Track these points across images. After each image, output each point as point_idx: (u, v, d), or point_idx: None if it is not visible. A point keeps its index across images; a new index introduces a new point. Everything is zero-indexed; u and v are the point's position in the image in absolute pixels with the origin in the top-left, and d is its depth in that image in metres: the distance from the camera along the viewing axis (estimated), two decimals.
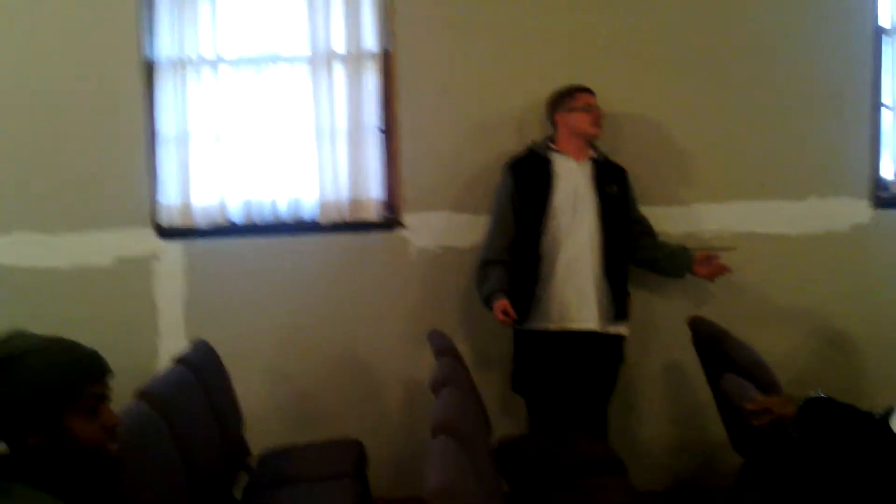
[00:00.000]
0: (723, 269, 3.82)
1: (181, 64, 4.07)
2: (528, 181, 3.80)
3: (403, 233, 4.16)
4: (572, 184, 3.77)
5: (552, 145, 3.85)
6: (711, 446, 4.16)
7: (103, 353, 1.77)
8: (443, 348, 3.28)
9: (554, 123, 3.88)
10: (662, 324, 4.14)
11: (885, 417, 1.86)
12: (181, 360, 3.23)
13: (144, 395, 2.72)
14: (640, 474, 3.62)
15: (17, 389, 1.64)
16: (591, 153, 3.84)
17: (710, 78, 4.11)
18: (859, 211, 4.15)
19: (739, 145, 4.14)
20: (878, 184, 4.18)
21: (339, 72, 4.11)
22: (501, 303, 3.68)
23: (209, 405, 3.19)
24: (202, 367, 3.30)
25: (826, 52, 4.10)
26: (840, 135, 4.13)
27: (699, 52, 4.11)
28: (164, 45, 4.08)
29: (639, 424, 4.24)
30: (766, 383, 2.71)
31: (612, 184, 3.81)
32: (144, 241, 4.11)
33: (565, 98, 3.84)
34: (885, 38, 4.15)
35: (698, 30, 4.10)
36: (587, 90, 3.84)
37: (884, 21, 4.15)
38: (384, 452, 4.06)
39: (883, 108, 4.17)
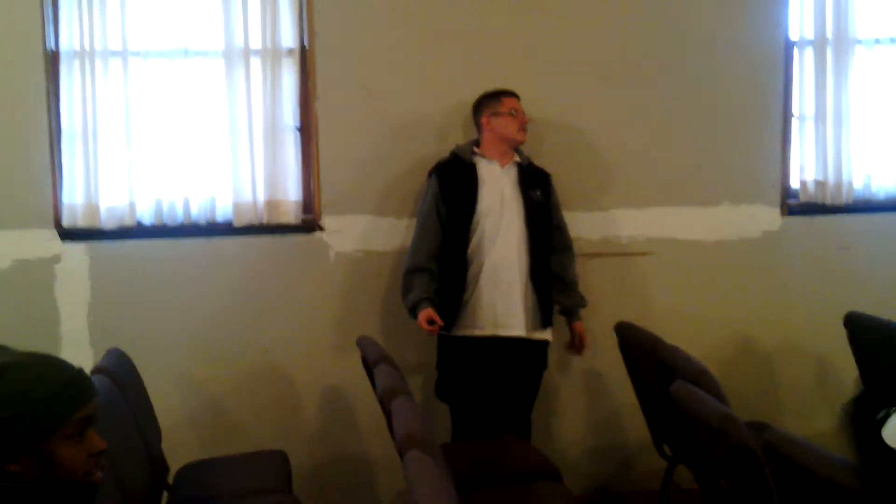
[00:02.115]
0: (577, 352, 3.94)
1: (87, 56, 3.79)
2: (453, 186, 3.74)
3: (322, 236, 4.03)
4: (498, 188, 3.74)
5: (476, 150, 3.81)
6: (630, 450, 4.23)
7: None
8: (377, 355, 3.18)
9: (479, 127, 3.84)
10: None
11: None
12: (101, 370, 3.02)
13: None
14: (563, 478, 3.63)
15: None
16: (516, 157, 3.82)
17: (627, 86, 4.16)
18: (770, 218, 4.28)
19: (655, 153, 4.20)
20: (788, 192, 4.33)
21: (256, 68, 3.93)
22: (427, 312, 3.63)
23: (132, 420, 3.00)
24: (121, 377, 3.10)
25: (740, 64, 4.21)
26: (753, 144, 4.25)
27: (618, 61, 4.15)
28: (70, 35, 3.80)
29: (559, 429, 4.25)
30: (714, 391, 2.73)
31: (536, 188, 3.79)
32: (46, 243, 3.83)
33: (491, 102, 3.80)
34: (795, 51, 4.29)
35: (618, 39, 4.15)
36: (513, 94, 3.81)
37: (794, 34, 4.29)
38: (305, 462, 3.94)
39: (792, 119, 4.31)
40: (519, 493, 3.10)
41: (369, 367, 3.25)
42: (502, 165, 3.78)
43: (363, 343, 3.42)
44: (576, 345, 3.90)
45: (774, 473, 2.19)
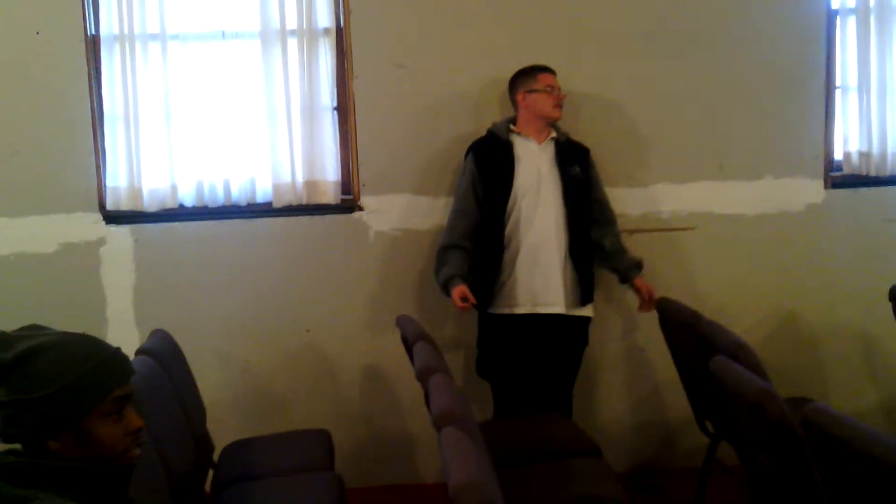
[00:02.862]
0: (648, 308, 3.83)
1: (127, 40, 3.85)
2: (489, 165, 3.73)
3: (361, 215, 4.05)
4: (535, 166, 3.72)
5: (513, 127, 3.79)
6: (672, 427, 4.21)
7: None
8: (416, 334, 3.20)
9: (515, 104, 3.82)
10: (624, 305, 4.13)
11: None
12: (145, 352, 3.08)
13: None
14: (604, 455, 3.62)
15: (39, 387, 1.51)
16: (553, 134, 3.79)
17: (667, 60, 4.10)
18: (813, 191, 4.20)
19: (696, 126, 4.15)
20: (831, 164, 4.25)
21: (293, 48, 3.96)
22: (460, 288, 3.63)
23: (177, 399, 3.05)
24: (166, 358, 3.15)
25: (781, 35, 4.13)
26: (795, 116, 4.17)
27: (657, 34, 4.09)
28: (109, 19, 3.85)
29: (601, 406, 4.24)
30: (753, 366, 2.71)
31: (574, 164, 3.77)
32: (91, 226, 3.92)
33: (527, 78, 3.78)
34: (837, 20, 4.20)
35: (655, 9, 4.08)
36: (549, 70, 3.78)
37: (836, 2, 4.20)
38: (347, 441, 3.98)
39: (836, 90, 4.22)
40: (559, 469, 3.11)
41: (409, 346, 3.27)
42: (539, 142, 3.76)
43: (402, 322, 3.44)
44: (645, 302, 3.82)
45: (815, 449, 2.17)
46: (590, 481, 3.01)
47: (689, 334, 3.29)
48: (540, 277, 3.68)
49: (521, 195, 3.68)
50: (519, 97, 3.78)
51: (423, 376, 2.72)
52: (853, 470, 2.04)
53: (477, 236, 3.74)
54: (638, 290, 3.84)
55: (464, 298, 3.62)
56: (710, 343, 3.07)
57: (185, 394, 3.21)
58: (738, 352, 2.82)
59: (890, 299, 3.60)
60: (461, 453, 1.97)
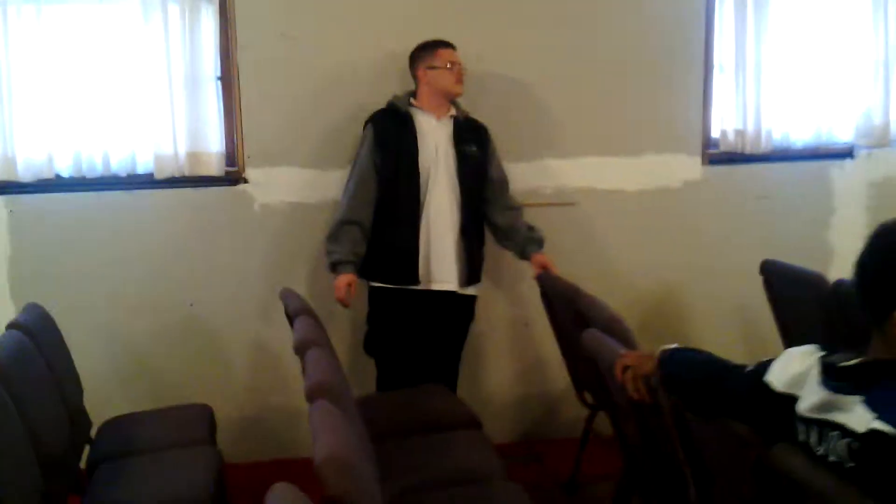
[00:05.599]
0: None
1: (1, 3, 3.70)
2: (389, 138, 3.70)
3: (246, 188, 4.01)
4: (433, 142, 3.72)
5: (413, 101, 3.78)
6: (554, 397, 4.31)
7: None
8: (298, 308, 3.19)
9: (416, 78, 3.80)
10: (510, 279, 4.21)
11: (756, 371, 1.93)
12: (16, 325, 2.99)
13: None
14: (488, 427, 3.68)
15: None
16: (452, 111, 3.80)
17: (550, 34, 4.14)
18: (691, 167, 4.34)
19: (580, 104, 4.22)
20: (709, 142, 4.39)
21: (174, 15, 3.86)
22: (347, 277, 3.65)
23: (49, 374, 2.98)
24: (38, 332, 3.07)
25: (662, 15, 4.23)
26: (674, 95, 4.30)
27: (542, 11, 4.13)
28: None
29: (486, 378, 4.32)
30: (624, 338, 2.78)
31: (471, 143, 3.78)
32: None
33: (427, 54, 3.75)
34: (716, 2, 4.32)
35: None
36: (449, 45, 3.76)
37: None
38: (230, 416, 3.95)
39: (713, 70, 4.35)
40: (438, 442, 3.13)
41: (291, 319, 3.26)
42: (438, 118, 3.75)
43: (285, 296, 3.42)
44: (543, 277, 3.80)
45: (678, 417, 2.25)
46: (468, 454, 3.04)
47: (569, 309, 3.37)
48: (433, 255, 3.70)
49: (420, 171, 3.67)
50: (419, 72, 3.76)
51: (300, 349, 2.72)
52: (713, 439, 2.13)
53: (374, 210, 3.72)
54: (536, 266, 3.84)
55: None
56: (587, 317, 3.14)
57: (59, 369, 3.13)
58: (612, 325, 2.89)
59: (760, 273, 3.74)
60: (329, 427, 1.98)
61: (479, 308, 3.99)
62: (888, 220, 1.74)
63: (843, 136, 4.49)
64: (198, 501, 2.78)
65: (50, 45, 3.80)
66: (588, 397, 3.63)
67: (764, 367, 1.93)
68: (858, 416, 1.60)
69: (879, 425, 1.55)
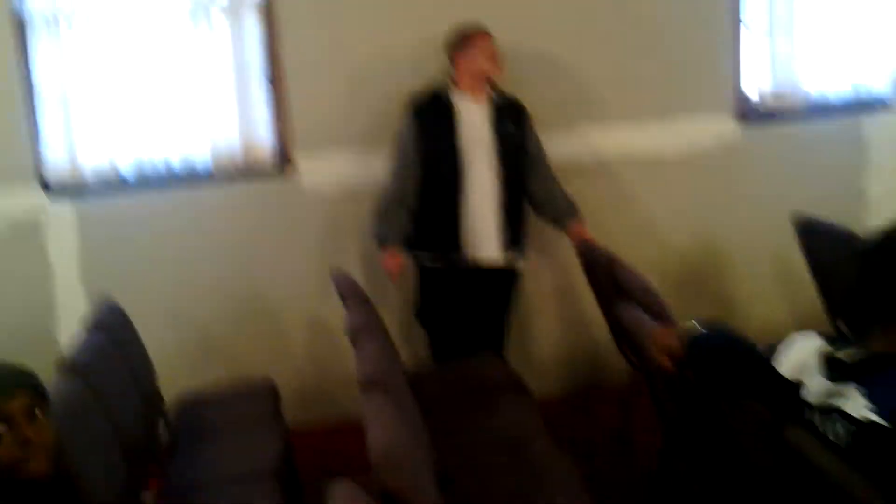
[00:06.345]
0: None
1: (56, 16, 3.91)
2: (430, 122, 3.86)
3: (297, 175, 4.20)
4: (472, 124, 3.86)
5: (452, 85, 3.91)
6: (601, 350, 4.46)
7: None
8: (349, 291, 3.39)
9: (453, 62, 3.91)
10: (553, 242, 4.34)
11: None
12: (92, 323, 3.24)
13: (68, 368, 2.75)
14: (538, 383, 3.88)
15: None
16: (490, 92, 3.91)
17: (579, 3, 4.27)
18: (725, 127, 4.44)
19: (612, 68, 4.33)
20: (742, 100, 4.47)
21: (220, 16, 4.06)
22: (395, 252, 3.89)
23: (126, 366, 3.24)
24: (113, 327, 3.32)
25: None
26: (707, 55, 4.39)
27: None
28: None
29: (534, 337, 4.51)
30: (657, 310, 2.94)
31: (509, 122, 3.91)
32: (33, 202, 4.03)
33: (462, 41, 3.86)
34: None
35: None
36: (482, 31, 3.85)
37: None
38: (293, 386, 4.17)
39: (746, 29, 4.42)
40: (487, 411, 3.33)
41: (343, 300, 3.45)
42: (477, 100, 3.88)
43: (337, 278, 3.60)
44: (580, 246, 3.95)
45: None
46: (513, 420, 3.24)
47: (607, 277, 3.52)
48: (475, 226, 3.87)
49: (460, 152, 3.83)
50: (456, 56, 3.88)
51: (352, 336, 2.92)
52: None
53: (417, 192, 3.89)
54: (573, 238, 4.00)
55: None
56: (624, 288, 3.30)
57: (133, 358, 3.38)
58: (646, 297, 3.06)
59: (794, 228, 3.83)
60: (383, 421, 2.18)
61: (526, 272, 4.15)
62: None
63: (878, 87, 4.53)
64: (268, 473, 3.03)
65: (106, 53, 4.00)
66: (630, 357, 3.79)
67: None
68: (857, 405, 1.76)
69: (877, 418, 1.70)
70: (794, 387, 1.96)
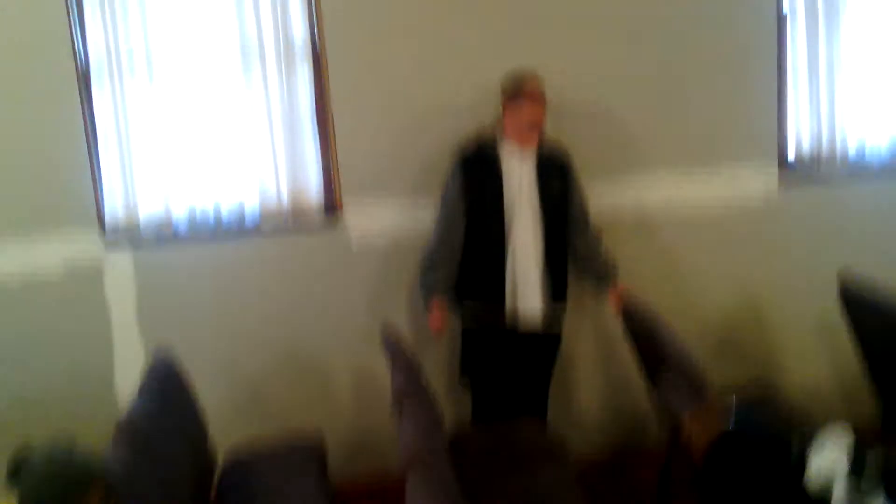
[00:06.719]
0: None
1: (115, 67, 4.08)
2: (476, 174, 3.93)
3: (344, 224, 4.30)
4: (517, 177, 3.92)
5: (499, 134, 3.98)
6: (642, 416, 4.52)
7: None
8: (396, 351, 3.46)
9: (503, 108, 3.98)
10: (597, 305, 4.40)
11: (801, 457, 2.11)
12: (148, 380, 3.35)
13: (124, 433, 2.85)
14: (579, 443, 3.92)
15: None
16: (536, 144, 3.97)
17: (627, 53, 4.34)
18: (768, 183, 4.48)
19: (656, 119, 4.39)
20: (785, 157, 4.53)
21: (271, 68, 4.18)
22: (440, 307, 3.97)
23: (180, 426, 3.35)
24: (168, 383, 3.44)
25: (734, 27, 4.39)
26: (751, 110, 4.44)
27: (623, 28, 4.33)
28: (97, 48, 4.08)
29: (576, 398, 4.56)
30: (694, 383, 2.98)
31: (553, 176, 3.97)
32: (93, 250, 4.17)
33: (512, 89, 3.93)
34: (788, 13, 4.46)
35: (621, 12, 4.32)
36: (533, 98, 3.90)
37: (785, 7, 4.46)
38: (338, 437, 4.29)
39: (791, 88, 4.49)
40: (522, 469, 3.40)
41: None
42: (523, 150, 3.94)
43: (385, 335, 3.65)
44: (620, 309, 4.03)
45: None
46: (553, 487, 3.29)
47: (647, 342, 3.57)
48: (519, 280, 3.93)
49: (505, 206, 3.90)
50: (504, 104, 3.96)
51: (396, 402, 3.00)
52: None
53: (462, 243, 3.98)
54: (612, 301, 4.08)
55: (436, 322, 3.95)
56: (661, 355, 3.35)
57: (186, 415, 3.50)
58: (684, 366, 3.11)
59: (838, 293, 3.84)
60: (421, 498, 2.27)
61: (567, 326, 4.19)
62: None
63: None
64: None
65: (163, 101, 4.16)
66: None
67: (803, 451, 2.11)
68: None
69: None
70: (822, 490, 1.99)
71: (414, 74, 4.23)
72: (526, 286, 3.95)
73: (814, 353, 4.57)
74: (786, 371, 4.59)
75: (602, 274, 4.09)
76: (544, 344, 4.09)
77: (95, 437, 2.79)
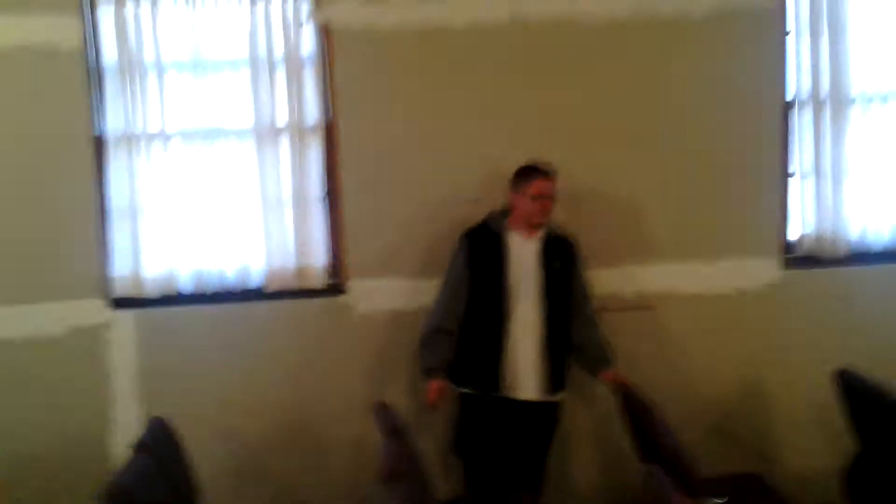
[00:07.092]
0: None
1: (130, 139, 4.19)
2: (481, 254, 3.98)
3: (348, 298, 4.35)
4: (521, 260, 3.96)
5: (506, 220, 4.02)
6: (637, 494, 4.48)
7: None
8: (388, 428, 3.46)
9: (511, 197, 4.02)
10: (594, 384, 4.34)
11: None
12: (141, 447, 3.35)
13: (110, 496, 2.86)
14: None
15: None
16: (541, 232, 4.01)
17: (631, 148, 4.41)
18: (769, 271, 4.50)
19: (662, 211, 4.45)
20: (787, 245, 4.56)
21: (284, 143, 4.29)
22: (438, 383, 3.97)
23: (170, 490, 3.35)
24: (162, 451, 3.44)
25: (739, 124, 4.44)
26: (752, 200, 4.48)
27: (629, 125, 4.40)
28: (114, 120, 4.19)
29: (572, 475, 4.54)
30: (684, 476, 2.98)
31: (557, 259, 4.00)
32: (97, 311, 4.24)
33: (522, 181, 3.96)
34: (792, 111, 4.51)
35: (630, 104, 4.39)
36: (546, 175, 3.94)
37: (791, 93, 4.51)
38: None
39: (791, 175, 4.54)
40: None
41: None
42: (528, 236, 3.98)
43: (378, 411, 3.65)
44: (617, 391, 4.03)
45: None
46: None
47: (641, 428, 3.58)
48: (517, 365, 3.94)
49: (507, 286, 3.93)
50: (512, 195, 4.00)
51: (384, 479, 2.99)
52: None
53: (463, 320, 4.00)
54: (607, 383, 4.09)
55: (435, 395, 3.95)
56: (656, 443, 3.35)
57: (179, 481, 3.50)
58: (675, 458, 3.11)
59: (836, 383, 3.83)
60: None
61: (566, 405, 4.19)
62: None
63: None
64: None
65: (173, 174, 4.26)
66: None
67: None
68: None
69: None
70: None
71: (427, 154, 4.33)
72: (523, 373, 3.95)
73: (812, 445, 4.54)
74: (783, 462, 4.57)
75: (597, 361, 4.08)
76: (542, 414, 4.05)
77: (86, 498, 2.82)
